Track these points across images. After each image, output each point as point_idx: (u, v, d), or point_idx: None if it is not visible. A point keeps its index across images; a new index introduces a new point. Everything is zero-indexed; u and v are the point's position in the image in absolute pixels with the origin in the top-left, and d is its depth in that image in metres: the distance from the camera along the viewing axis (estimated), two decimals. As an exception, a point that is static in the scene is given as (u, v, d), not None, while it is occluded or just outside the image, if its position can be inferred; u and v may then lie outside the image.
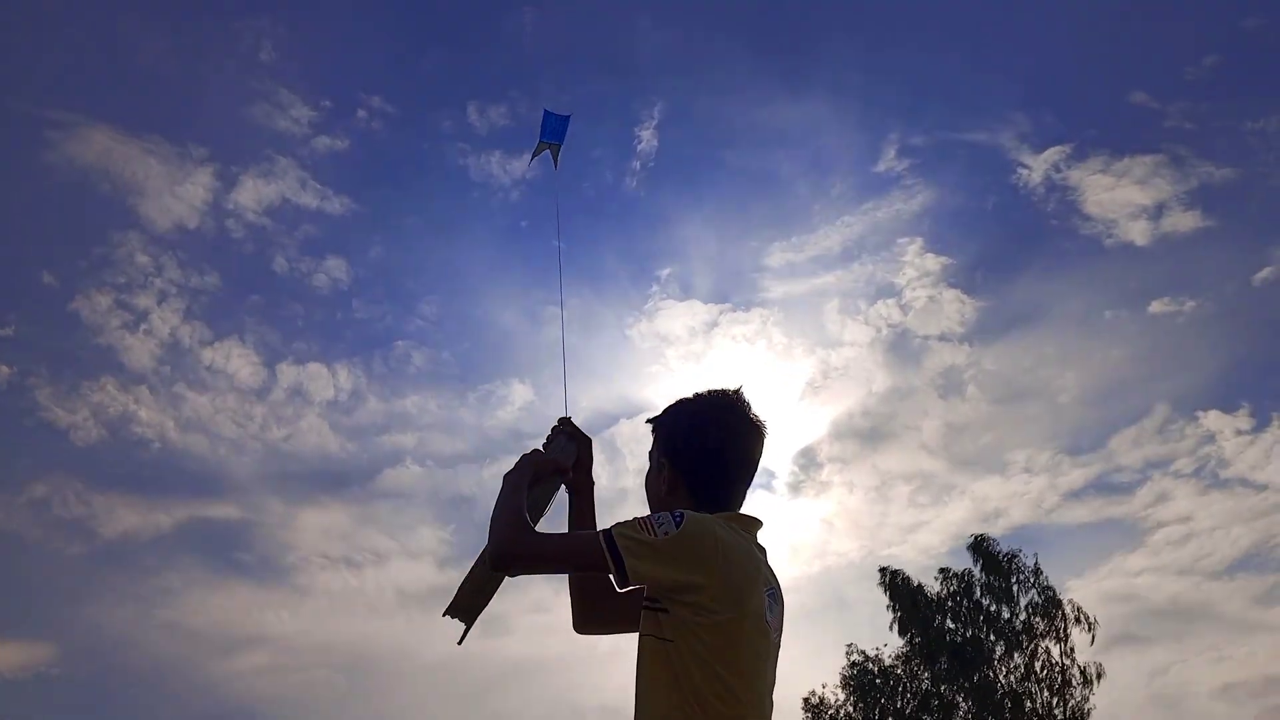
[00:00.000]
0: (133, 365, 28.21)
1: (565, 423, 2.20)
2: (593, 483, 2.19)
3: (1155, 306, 30.01)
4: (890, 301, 31.12)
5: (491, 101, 29.46)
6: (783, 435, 26.88)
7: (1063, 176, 28.87)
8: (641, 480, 2.06)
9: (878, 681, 24.70)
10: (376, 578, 30.85)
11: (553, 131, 2.94)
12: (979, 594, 24.85)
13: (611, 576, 1.73)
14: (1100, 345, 32.34)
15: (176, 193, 27.59)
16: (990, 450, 33.45)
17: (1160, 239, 29.09)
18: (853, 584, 34.37)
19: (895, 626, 24.87)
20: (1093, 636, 23.88)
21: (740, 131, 32.44)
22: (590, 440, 2.20)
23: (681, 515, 1.74)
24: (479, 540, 1.94)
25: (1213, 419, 29.67)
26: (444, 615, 1.97)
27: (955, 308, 30.71)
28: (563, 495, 2.16)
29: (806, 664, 25.53)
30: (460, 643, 1.99)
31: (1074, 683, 23.52)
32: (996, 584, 24.77)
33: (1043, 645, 24.00)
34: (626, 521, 1.75)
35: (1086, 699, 23.41)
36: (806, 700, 25.26)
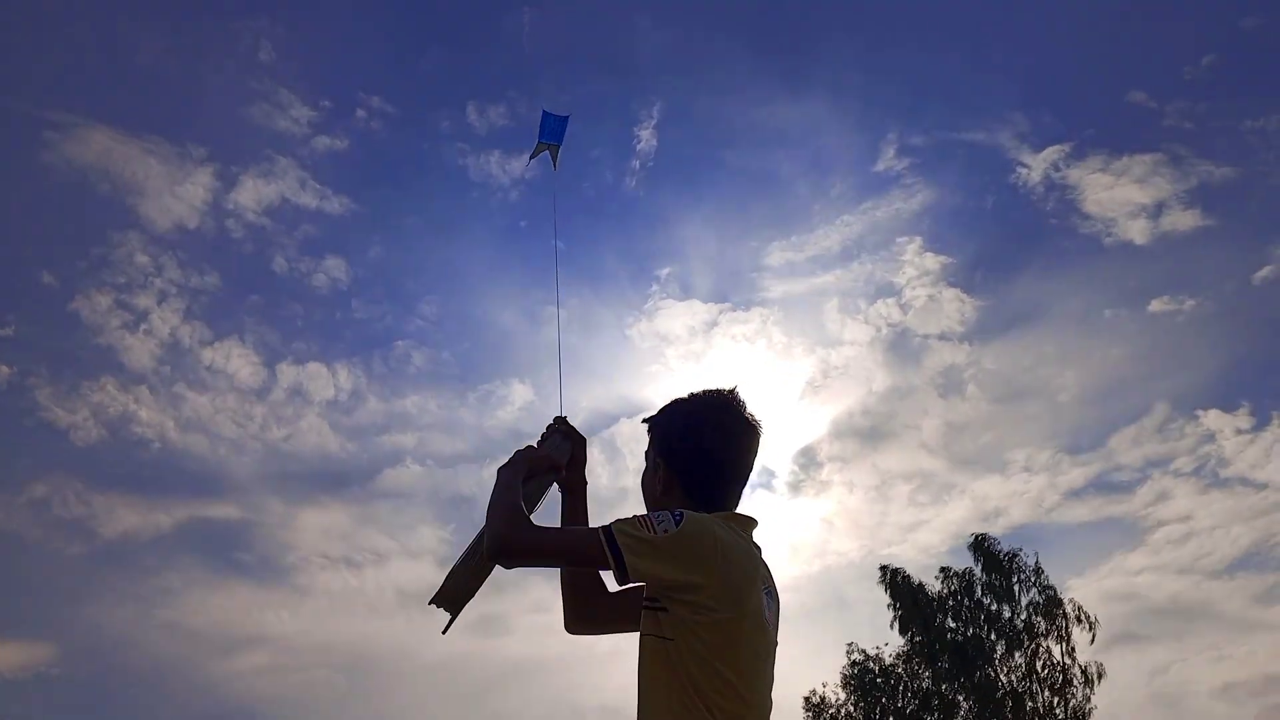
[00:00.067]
0: (133, 365, 28.26)
1: (561, 422, 2.21)
2: (586, 482, 2.20)
3: (1155, 305, 30.07)
4: (890, 301, 31.17)
5: (491, 101, 29.53)
6: (783, 434, 26.88)
7: (1062, 176, 28.93)
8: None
9: (878, 681, 24.71)
10: (376, 578, 30.91)
11: (551, 132, 2.95)
12: (980, 593, 24.87)
13: (610, 573, 1.73)
14: (1100, 344, 32.38)
15: (176, 193, 27.65)
16: (990, 449, 33.49)
17: (1160, 238, 29.13)
18: (853, 583, 34.45)
19: (896, 625, 24.92)
20: (1093, 636, 23.91)
21: (740, 131, 32.49)
22: (585, 440, 2.20)
23: (681, 514, 1.74)
24: (479, 540, 1.94)
25: (1212, 418, 29.71)
26: (429, 604, 1.98)
27: (955, 307, 30.76)
28: (555, 495, 2.16)
29: (807, 663, 25.59)
30: (444, 631, 1.99)
31: (1075, 682, 23.54)
32: (997, 583, 24.77)
33: (1044, 645, 24.01)
34: (626, 519, 1.75)
35: (1088, 698, 23.44)
36: (807, 699, 25.30)
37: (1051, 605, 24.25)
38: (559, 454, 2.13)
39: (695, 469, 1.91)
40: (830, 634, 31.12)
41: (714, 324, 31.43)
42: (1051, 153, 28.82)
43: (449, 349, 32.75)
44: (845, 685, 25.03)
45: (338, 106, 30.37)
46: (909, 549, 32.96)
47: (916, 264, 30.71)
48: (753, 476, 1.99)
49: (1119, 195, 28.81)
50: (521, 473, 1.98)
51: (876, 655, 25.15)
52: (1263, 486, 29.31)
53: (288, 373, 29.99)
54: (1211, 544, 29.80)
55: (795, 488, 31.50)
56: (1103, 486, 31.23)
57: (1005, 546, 25.24)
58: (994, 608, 24.66)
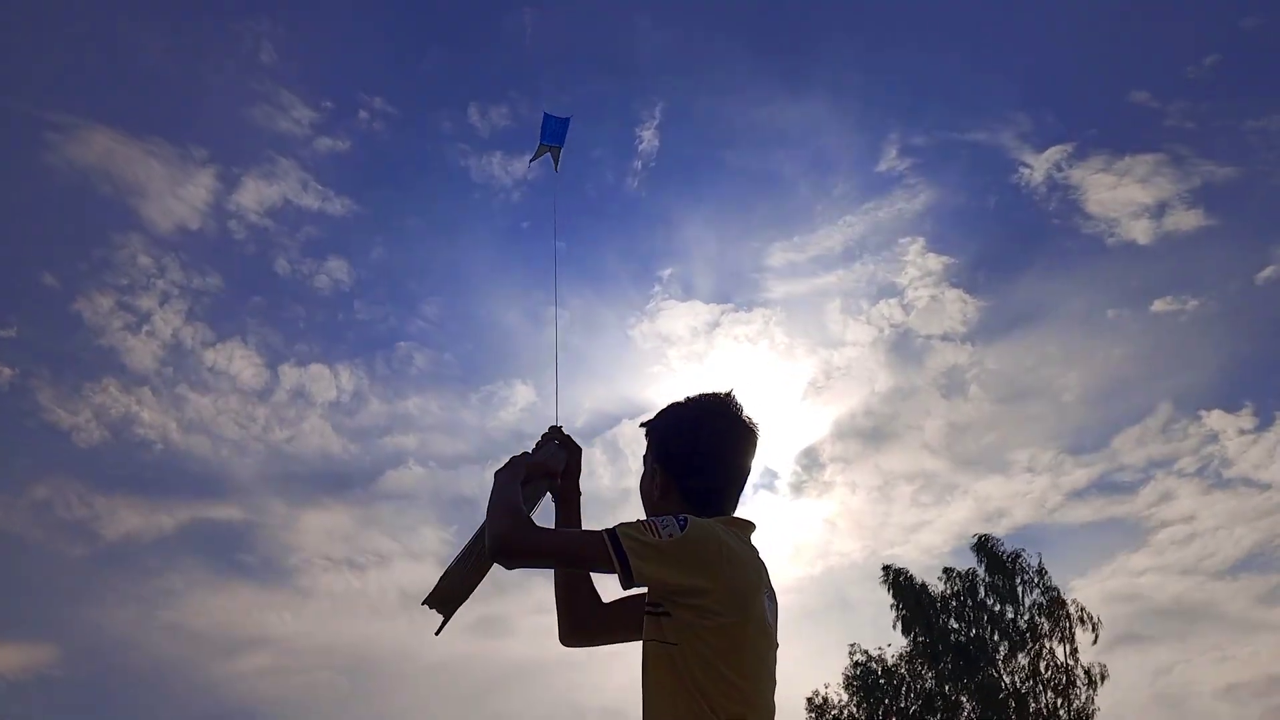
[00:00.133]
0: (135, 367, 28.26)
1: (556, 431, 2.20)
2: (580, 492, 2.18)
3: (1158, 305, 30.00)
4: (892, 301, 31.14)
5: (492, 102, 29.51)
6: (785, 435, 26.82)
7: (1064, 176, 28.86)
8: None
9: (881, 681, 24.67)
10: (379, 579, 30.89)
11: (553, 134, 2.96)
12: (983, 594, 24.83)
13: (612, 576, 1.73)
14: (1103, 344, 32.32)
15: (178, 194, 27.66)
16: (993, 450, 33.43)
17: (1162, 238, 29.07)
18: (855, 584, 34.38)
19: (899, 626, 24.87)
20: (1095, 636, 23.88)
21: (741, 131, 32.46)
22: (580, 449, 2.19)
23: (685, 519, 1.74)
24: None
25: (1216, 418, 29.64)
26: (422, 604, 1.98)
27: (957, 307, 30.71)
28: (548, 503, 2.15)
29: (809, 664, 25.54)
30: (437, 633, 1.99)
31: (1078, 683, 23.50)
32: (1000, 584, 24.74)
33: (1047, 645, 23.98)
34: (630, 522, 1.75)
35: (1091, 699, 23.40)
36: (810, 700, 25.25)
37: (1054, 606, 24.21)
38: (555, 462, 2.12)
39: (693, 473, 1.91)
40: (832, 635, 31.11)
41: (716, 324, 31.42)
42: (1054, 153, 28.78)
43: (451, 350, 32.77)
44: (847, 686, 25.00)
45: (339, 107, 30.40)
46: (912, 550, 32.98)
47: (919, 264, 30.69)
48: (755, 477, 2.00)
49: (1121, 195, 28.76)
50: (519, 476, 1.98)
51: (879, 656, 25.12)
52: (1266, 487, 29.26)
53: (290, 374, 30.00)
54: (1215, 544, 29.77)
55: (798, 488, 31.50)
56: (1106, 487, 31.20)
57: (1008, 547, 25.21)
58: (997, 608, 24.64)
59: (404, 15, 30.62)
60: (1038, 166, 28.87)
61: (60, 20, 27.13)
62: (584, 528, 2.12)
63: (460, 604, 1.99)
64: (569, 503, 2.17)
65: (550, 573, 2.11)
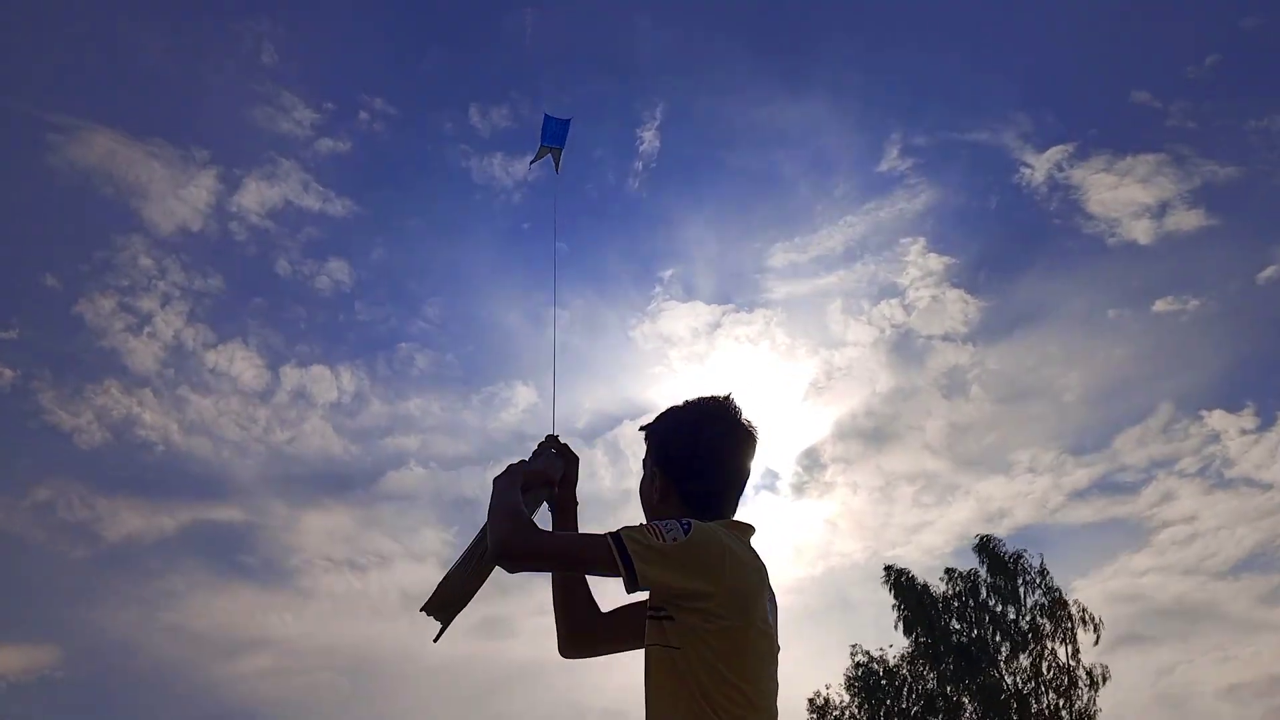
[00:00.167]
0: (136, 368, 28.31)
1: (553, 440, 2.19)
2: (576, 502, 2.18)
3: (1159, 305, 30.01)
4: (893, 302, 31.15)
5: (493, 103, 29.55)
6: (786, 436, 26.85)
7: (1065, 176, 28.89)
8: None
9: (882, 682, 24.66)
10: (380, 580, 30.92)
11: (553, 136, 2.96)
12: (984, 594, 24.81)
13: (613, 580, 1.72)
14: (1104, 345, 32.32)
15: (179, 195, 27.71)
16: (994, 450, 33.44)
17: (1163, 238, 29.08)
18: (857, 585, 34.36)
19: (900, 626, 24.86)
20: (1097, 637, 23.85)
21: (742, 132, 32.50)
22: (577, 458, 2.18)
23: (689, 523, 1.74)
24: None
25: (1217, 418, 29.64)
26: (420, 610, 1.97)
27: (958, 307, 30.72)
28: (544, 512, 2.14)
29: (811, 665, 25.55)
30: (435, 640, 1.99)
31: (1080, 684, 23.47)
32: (1002, 585, 24.72)
33: (1049, 646, 23.96)
34: (634, 526, 1.75)
35: (1093, 700, 23.38)
36: (811, 701, 25.25)
37: (1056, 607, 24.19)
38: (553, 470, 2.12)
39: (692, 476, 1.91)
40: (834, 635, 31.11)
41: (717, 325, 31.44)
42: (1055, 153, 28.82)
43: (452, 351, 32.80)
44: (849, 687, 24.98)
45: (340, 108, 30.49)
46: (913, 550, 33.01)
47: (920, 265, 30.71)
48: (756, 478, 2.00)
49: (1122, 195, 28.78)
50: (518, 482, 1.97)
51: (880, 657, 25.11)
52: (1268, 487, 29.24)
53: (291, 375, 30.05)
54: (1216, 545, 29.76)
55: (799, 489, 31.52)
56: (1107, 487, 31.19)
57: (1010, 548, 25.20)
58: (999, 609, 24.62)
59: (404, 16, 30.69)
60: (1039, 166, 28.92)
61: (61, 21, 27.20)
62: (584, 532, 2.12)
63: (458, 611, 1.99)
64: (566, 511, 2.16)
65: (550, 575, 2.11)
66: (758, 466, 1.99)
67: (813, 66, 32.60)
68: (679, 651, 1.71)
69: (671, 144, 30.31)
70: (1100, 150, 29.44)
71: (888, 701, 24.40)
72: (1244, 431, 29.25)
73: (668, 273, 32.62)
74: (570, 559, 1.84)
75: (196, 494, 31.34)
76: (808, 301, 33.18)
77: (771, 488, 28.80)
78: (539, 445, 2.18)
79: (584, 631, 2.08)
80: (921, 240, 30.91)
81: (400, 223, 33.11)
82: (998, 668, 23.92)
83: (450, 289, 33.09)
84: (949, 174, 33.23)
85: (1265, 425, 29.35)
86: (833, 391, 32.92)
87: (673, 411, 2.00)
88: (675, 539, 1.70)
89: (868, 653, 25.24)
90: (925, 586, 25.12)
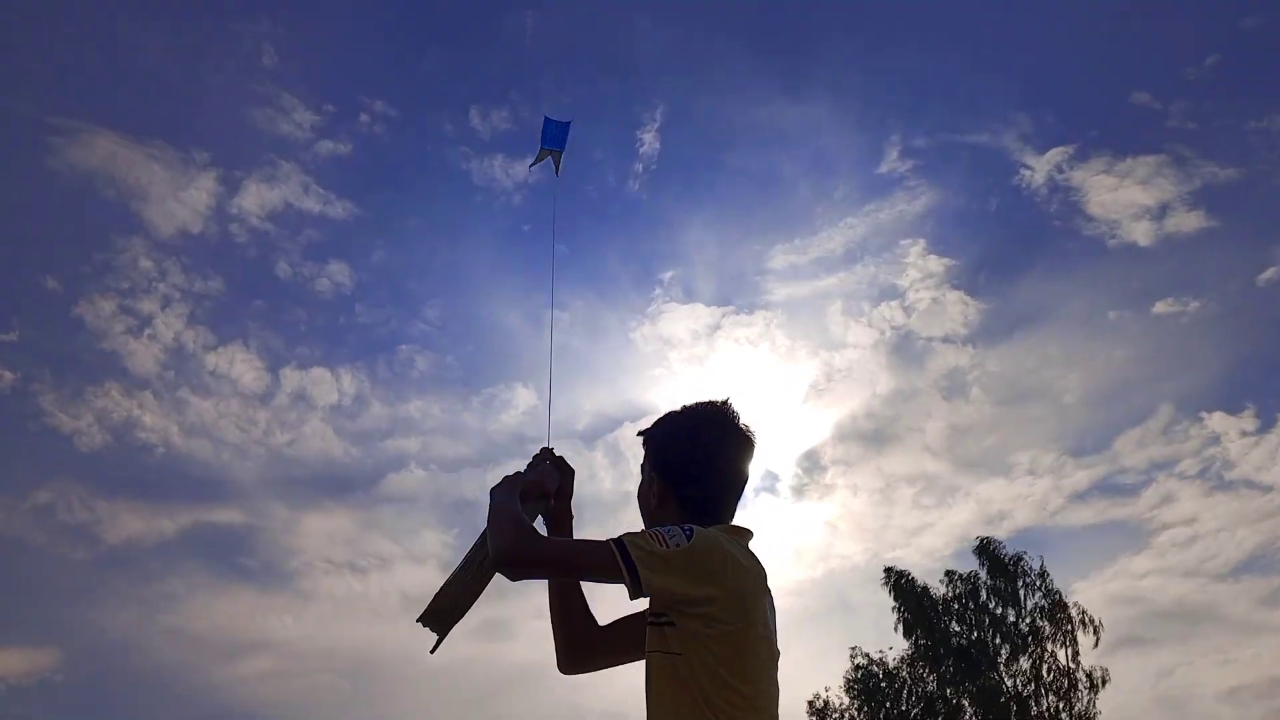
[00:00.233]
0: (136, 370, 28.35)
1: (547, 452, 2.17)
2: (572, 515, 2.16)
3: (1159, 307, 30.03)
4: (893, 303, 31.17)
5: (493, 105, 29.60)
6: (786, 438, 26.87)
7: (1065, 177, 28.92)
8: None
9: (882, 685, 24.63)
10: (380, 582, 30.92)
11: (553, 138, 2.96)
12: (984, 596, 24.80)
13: (615, 586, 1.71)
14: (1104, 346, 32.34)
15: (180, 197, 27.74)
16: (994, 452, 33.47)
17: (1163, 239, 29.11)
18: (857, 587, 34.37)
19: (900, 628, 24.84)
20: (1097, 640, 23.84)
21: (742, 133, 32.54)
22: (572, 471, 2.16)
23: (691, 529, 1.73)
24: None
25: (1217, 420, 29.66)
26: (417, 621, 1.95)
27: (958, 309, 30.74)
28: (538, 526, 2.11)
29: (810, 667, 25.52)
30: (432, 651, 1.97)
31: (1080, 686, 23.45)
32: (1002, 587, 24.70)
33: (1049, 649, 23.94)
34: (636, 532, 1.74)
35: (1092, 703, 23.36)
36: (811, 704, 25.21)
37: (1056, 609, 24.18)
38: (550, 481, 2.10)
39: (690, 481, 1.91)
40: (834, 638, 31.10)
41: (717, 327, 31.46)
42: (1055, 154, 28.86)
43: (453, 353, 32.85)
44: (848, 689, 24.96)
45: (340, 110, 30.53)
46: (913, 552, 32.99)
47: (920, 266, 30.74)
48: (756, 480, 1.99)
49: (1123, 197, 28.82)
50: (517, 490, 1.96)
51: (880, 659, 25.08)
52: (1268, 489, 29.26)
53: (291, 377, 30.06)
54: (1217, 546, 29.77)
55: (799, 491, 31.52)
56: (1107, 489, 31.25)
57: (1010, 550, 25.20)
58: (999, 611, 24.60)
59: (404, 17, 30.72)
60: (1039, 168, 28.95)
61: (62, 23, 27.21)
62: (586, 538, 2.11)
63: (455, 622, 1.97)
64: (561, 524, 2.15)
65: (547, 588, 2.09)
66: (758, 469, 1.99)
67: (813, 68, 32.67)
68: (680, 658, 1.70)
69: (671, 145, 30.38)
70: (1100, 152, 29.52)
71: (887, 704, 24.37)
72: (1244, 433, 29.30)
73: (668, 274, 32.67)
74: (573, 565, 1.82)
75: (197, 496, 31.38)
76: (808, 303, 33.27)
77: (771, 490, 28.82)
78: (534, 457, 2.16)
79: (582, 643, 2.07)
80: (922, 242, 30.97)
81: (400, 225, 33.18)
82: (998, 670, 23.90)
83: (450, 291, 33.14)
84: (949, 176, 33.28)
85: (1265, 427, 29.40)
86: (833, 393, 32.96)
87: (670, 416, 2.00)
88: (678, 545, 1.69)
89: (867, 655, 25.24)
90: (925, 589, 25.11)
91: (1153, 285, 31.49)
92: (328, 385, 30.42)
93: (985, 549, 25.23)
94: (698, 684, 1.68)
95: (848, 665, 25.30)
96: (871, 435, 33.82)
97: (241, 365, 29.24)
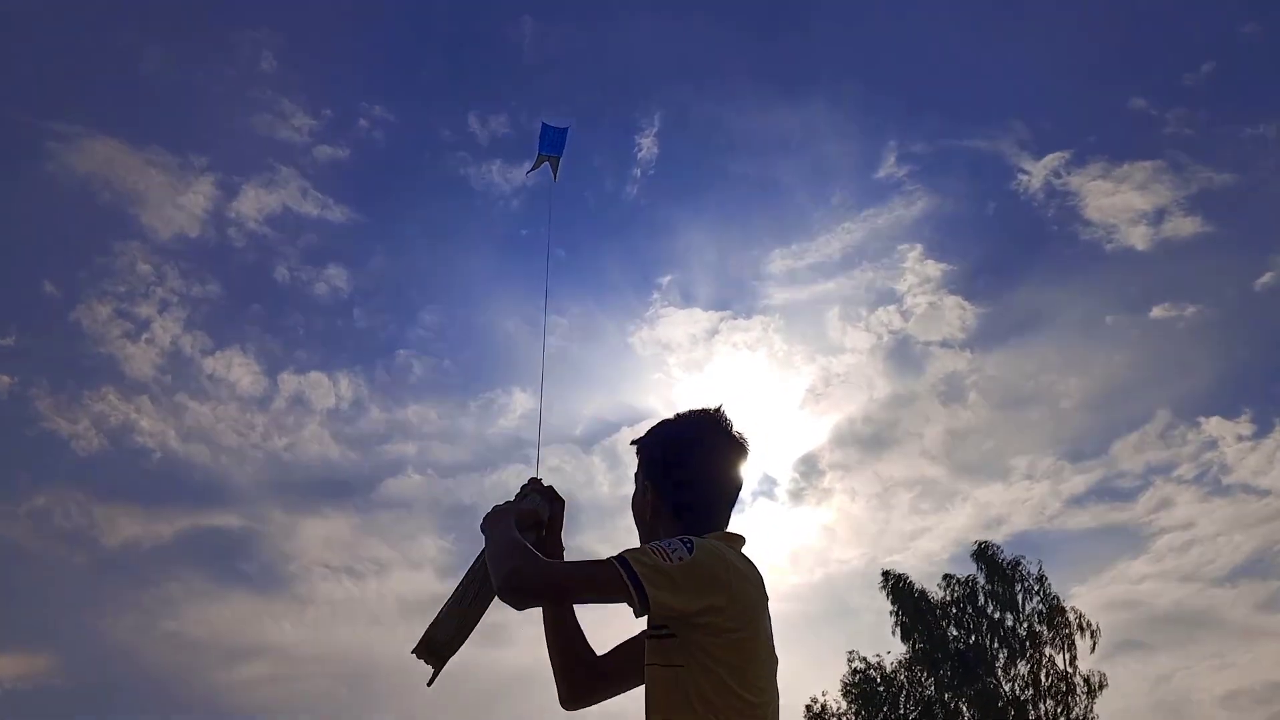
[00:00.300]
0: (134, 375, 28.33)
1: (535, 483, 2.10)
2: (563, 547, 2.10)
3: (1156, 312, 30.12)
4: (891, 308, 31.23)
5: (492, 110, 29.66)
6: (784, 443, 26.90)
7: (1063, 182, 29.02)
8: None
9: (880, 689, 24.62)
10: (378, 587, 30.89)
11: (551, 144, 2.97)
12: (983, 601, 24.80)
13: (624, 605, 1.69)
14: (1102, 351, 32.43)
15: (178, 202, 27.80)
16: (992, 457, 33.52)
17: (1161, 244, 29.18)
18: (855, 591, 34.32)
19: (898, 632, 24.84)
20: (1095, 644, 23.85)
21: (740, 139, 32.62)
22: (564, 501, 2.11)
23: (691, 542, 1.73)
24: (480, 549, 1.92)
25: (1214, 425, 29.73)
26: (412, 653, 1.91)
27: (956, 314, 30.80)
28: None
29: (808, 671, 25.50)
30: (429, 684, 1.92)
31: (1078, 691, 23.45)
32: (1000, 591, 24.71)
33: (1047, 653, 23.94)
34: (638, 548, 1.73)
35: (1090, 708, 23.35)
36: (808, 708, 25.19)
37: (1054, 613, 24.18)
38: (542, 511, 2.05)
39: (684, 490, 1.90)
40: (832, 642, 30.93)
41: (715, 332, 31.50)
42: (1052, 160, 28.96)
43: (450, 358, 32.85)
44: (846, 694, 24.94)
45: (339, 116, 30.55)
46: (911, 557, 32.92)
47: (917, 271, 30.82)
48: (754, 485, 2.01)
49: (1120, 202, 28.92)
50: (512, 519, 1.91)
51: (878, 663, 25.07)
52: (1265, 493, 29.31)
53: (289, 382, 30.06)
54: (1214, 551, 29.81)
55: (797, 496, 31.54)
56: (1105, 494, 31.27)
57: (1008, 554, 25.22)
58: (996, 616, 24.60)
59: (403, 24, 30.77)
60: (1036, 173, 29.04)
61: (61, 29, 27.23)
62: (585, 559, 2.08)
63: (452, 653, 1.93)
64: (553, 556, 2.05)
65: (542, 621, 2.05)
66: (755, 473, 2.00)
67: (810, 73, 32.74)
68: (683, 669, 1.70)
69: (670, 151, 30.44)
70: (1097, 157, 29.69)
71: (885, 708, 24.36)
72: (1241, 438, 29.36)
73: (666, 279, 32.71)
74: (580, 587, 1.76)
75: (194, 501, 31.38)
76: (806, 308, 33.29)
77: (769, 494, 28.86)
78: (522, 488, 2.10)
79: (585, 674, 2.02)
80: (919, 247, 31.04)
81: (398, 229, 33.18)
82: (995, 675, 23.90)
83: (448, 295, 33.16)
84: (946, 181, 33.36)
85: (1262, 432, 29.47)
86: (830, 398, 33.00)
87: (662, 425, 1.99)
88: (680, 559, 1.68)
89: (865, 659, 25.23)
90: (923, 593, 25.10)
91: (1150, 290, 31.64)
92: (325, 390, 30.43)
93: (983, 553, 25.24)
94: (700, 694, 1.68)
95: (845, 669, 25.32)
96: (869, 440, 33.87)
97: (239, 369, 29.27)
